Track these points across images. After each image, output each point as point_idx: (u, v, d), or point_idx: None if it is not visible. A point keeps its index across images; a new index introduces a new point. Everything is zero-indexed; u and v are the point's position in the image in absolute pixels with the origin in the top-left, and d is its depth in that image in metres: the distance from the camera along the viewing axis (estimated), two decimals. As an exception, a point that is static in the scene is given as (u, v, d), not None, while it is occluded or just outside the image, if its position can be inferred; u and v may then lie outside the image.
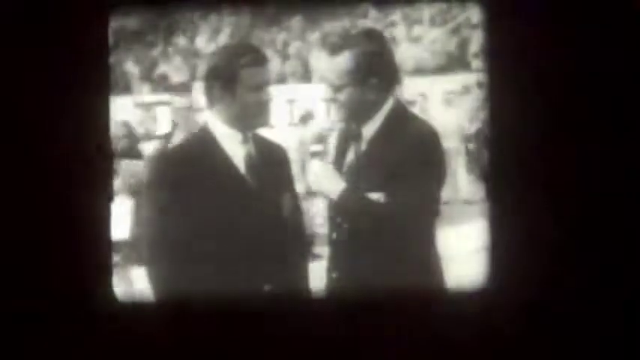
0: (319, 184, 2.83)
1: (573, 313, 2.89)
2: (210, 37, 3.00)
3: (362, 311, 2.88)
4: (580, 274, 2.88)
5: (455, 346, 2.88)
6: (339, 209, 2.81)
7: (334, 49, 2.79)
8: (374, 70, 2.78)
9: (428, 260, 2.83)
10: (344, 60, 2.77)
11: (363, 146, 2.82)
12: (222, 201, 2.78)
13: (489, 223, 2.89)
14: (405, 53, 2.89)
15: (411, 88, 2.90)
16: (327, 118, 2.94)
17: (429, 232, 2.82)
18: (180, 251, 2.78)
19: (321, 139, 2.89)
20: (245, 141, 2.84)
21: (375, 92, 2.79)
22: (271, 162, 2.85)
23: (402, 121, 2.80)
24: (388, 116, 2.80)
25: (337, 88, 2.79)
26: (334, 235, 2.85)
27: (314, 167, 2.84)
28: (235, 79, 2.78)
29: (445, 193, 2.83)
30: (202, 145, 2.83)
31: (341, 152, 2.87)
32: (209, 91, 2.82)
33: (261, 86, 2.80)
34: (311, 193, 2.87)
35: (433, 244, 2.82)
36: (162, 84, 3.00)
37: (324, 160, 2.86)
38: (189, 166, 2.80)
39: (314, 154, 2.86)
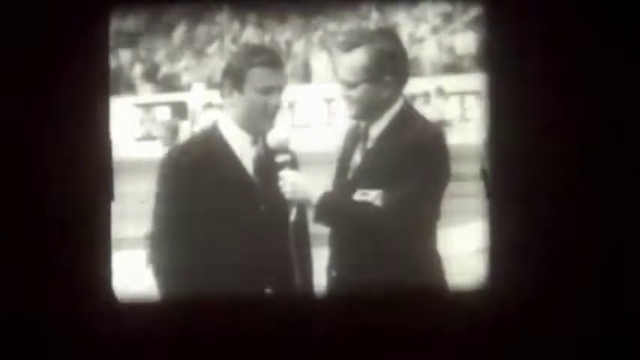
0: (299, 193, 2.76)
1: (573, 313, 2.90)
2: (212, 37, 3.00)
3: (362, 311, 2.89)
4: (580, 274, 2.89)
5: (455, 346, 2.89)
6: (321, 213, 2.76)
7: (349, 46, 2.75)
8: (389, 68, 2.74)
9: (428, 260, 2.80)
10: (360, 56, 2.73)
11: (369, 145, 2.79)
12: (228, 202, 2.74)
13: (489, 223, 2.89)
14: (410, 53, 2.85)
15: (417, 88, 2.89)
16: (328, 119, 2.92)
17: (428, 232, 2.79)
18: (185, 251, 2.75)
19: (285, 149, 2.80)
20: (255, 143, 2.80)
21: (389, 90, 2.75)
22: (280, 165, 2.76)
23: (408, 121, 2.77)
24: (396, 116, 2.77)
25: (351, 85, 2.75)
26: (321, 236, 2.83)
27: (289, 177, 2.76)
28: (244, 77, 2.74)
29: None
30: (211, 144, 2.79)
31: (348, 152, 2.85)
32: (221, 89, 2.80)
33: (270, 89, 2.74)
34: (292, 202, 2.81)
35: (433, 244, 2.80)
36: (164, 84, 2.99)
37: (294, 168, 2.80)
38: (197, 164, 2.75)
39: (283, 164, 2.76)
